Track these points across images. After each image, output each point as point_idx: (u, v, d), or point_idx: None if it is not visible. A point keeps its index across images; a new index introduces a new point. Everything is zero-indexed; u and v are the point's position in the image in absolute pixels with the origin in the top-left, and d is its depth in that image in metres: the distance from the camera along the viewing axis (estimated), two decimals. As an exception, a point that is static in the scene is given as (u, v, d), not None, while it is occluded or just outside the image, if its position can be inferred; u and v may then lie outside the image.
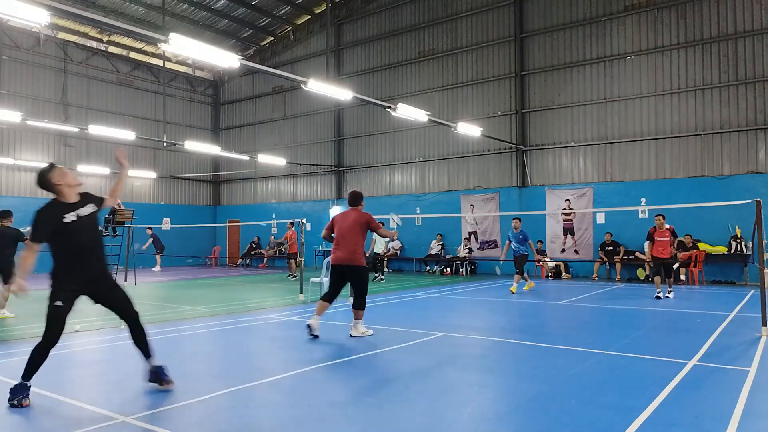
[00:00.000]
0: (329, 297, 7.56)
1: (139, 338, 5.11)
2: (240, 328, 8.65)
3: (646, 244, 12.22)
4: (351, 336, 7.46)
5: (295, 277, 17.55)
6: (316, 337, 7.38)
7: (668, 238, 11.97)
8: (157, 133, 24.09)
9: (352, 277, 7.44)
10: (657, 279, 12.10)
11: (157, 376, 5.04)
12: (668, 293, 12.11)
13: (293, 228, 18.29)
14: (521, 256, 13.57)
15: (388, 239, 18.05)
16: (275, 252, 24.56)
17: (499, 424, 4.15)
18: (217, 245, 28.06)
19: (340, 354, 6.45)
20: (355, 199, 7.88)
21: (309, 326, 7.43)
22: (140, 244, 22.13)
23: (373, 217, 7.81)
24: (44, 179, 4.70)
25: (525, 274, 13.81)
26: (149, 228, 22.37)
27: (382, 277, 17.21)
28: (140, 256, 20.50)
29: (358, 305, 7.47)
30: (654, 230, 12.08)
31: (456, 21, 20.93)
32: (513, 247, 13.63)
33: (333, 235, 7.72)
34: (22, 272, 4.54)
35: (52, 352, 6.83)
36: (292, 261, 18.36)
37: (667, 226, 12.09)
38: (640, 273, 16.46)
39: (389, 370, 5.74)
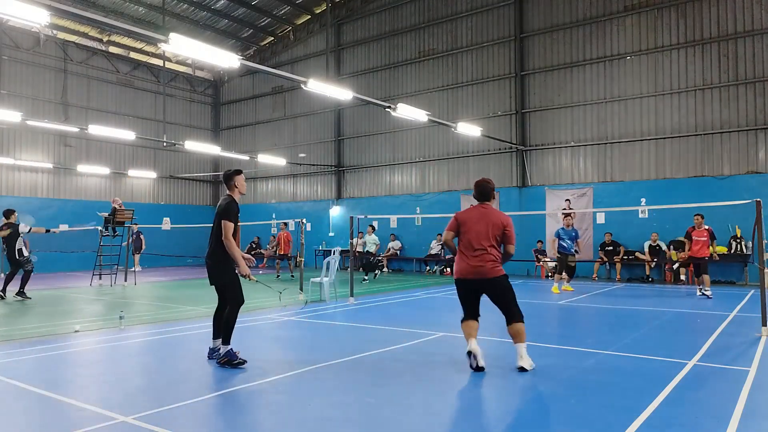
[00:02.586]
0: (472, 314, 6.04)
1: None
2: (240, 328, 8.63)
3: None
4: (523, 368, 5.54)
5: (292, 276, 17.61)
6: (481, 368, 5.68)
7: (706, 238, 12.08)
8: (157, 133, 24.08)
9: (495, 290, 5.85)
10: (705, 278, 12.14)
11: None
12: (705, 291, 11.93)
13: (286, 229, 18.32)
14: (572, 255, 13.31)
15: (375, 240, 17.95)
16: (275, 252, 24.53)
17: (499, 424, 4.15)
18: (217, 245, 28.01)
19: (340, 354, 6.45)
20: (487, 191, 6.01)
21: (470, 354, 5.76)
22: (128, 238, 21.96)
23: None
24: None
25: (563, 276, 13.51)
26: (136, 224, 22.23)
27: (375, 274, 17.28)
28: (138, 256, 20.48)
29: (518, 317, 5.71)
30: (692, 229, 12.29)
31: (456, 21, 20.93)
32: (565, 244, 13.23)
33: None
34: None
35: (53, 351, 6.85)
36: (290, 262, 18.43)
37: (706, 227, 12.20)
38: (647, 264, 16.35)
39: (389, 370, 5.73)
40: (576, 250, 13.50)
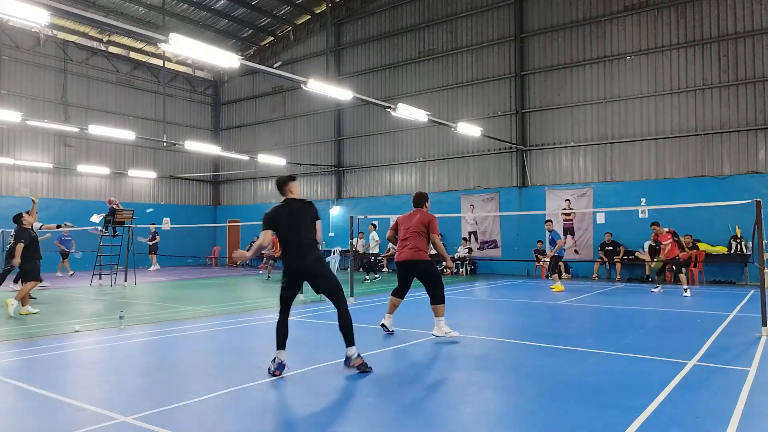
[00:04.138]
0: (398, 292, 7.61)
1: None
2: (240, 328, 8.65)
3: (647, 244, 12.78)
4: (434, 336, 7.26)
5: (269, 278, 17.70)
6: (391, 333, 7.60)
7: (671, 239, 12.67)
8: (157, 133, 24.09)
9: (419, 273, 7.32)
10: (681, 277, 12.73)
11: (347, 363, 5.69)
12: (684, 294, 12.33)
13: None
14: (555, 257, 14.02)
15: (376, 239, 17.93)
16: (275, 252, 24.57)
17: (498, 424, 4.15)
18: (217, 245, 28.07)
19: (340, 354, 6.44)
20: (420, 200, 7.76)
21: (383, 326, 7.65)
22: (144, 237, 22.41)
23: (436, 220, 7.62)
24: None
25: (555, 275, 14.06)
26: (153, 224, 22.61)
27: (377, 276, 17.31)
28: (139, 256, 20.50)
29: (437, 300, 7.25)
30: (656, 236, 12.92)
31: (456, 21, 20.93)
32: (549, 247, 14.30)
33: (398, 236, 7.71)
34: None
35: (53, 351, 6.85)
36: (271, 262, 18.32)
37: (666, 230, 12.82)
38: (656, 266, 16.38)
39: (389, 370, 5.73)
40: (553, 251, 13.91)
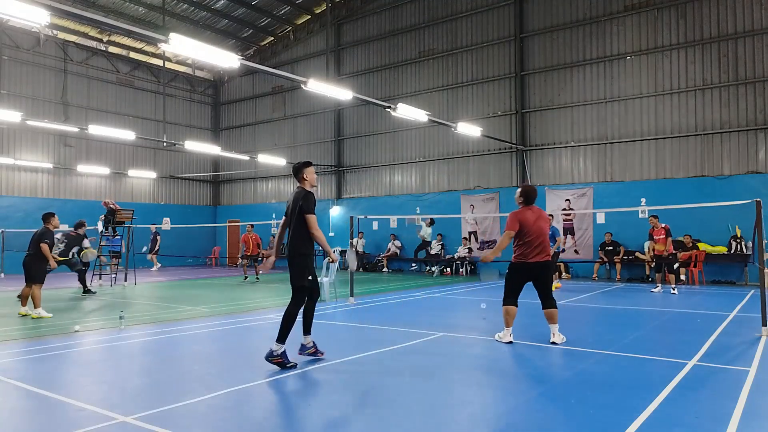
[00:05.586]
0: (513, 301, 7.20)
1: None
2: (240, 328, 8.65)
3: (647, 244, 13.11)
4: (553, 344, 6.81)
5: (255, 278, 17.59)
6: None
7: (664, 236, 13.18)
8: (157, 133, 24.09)
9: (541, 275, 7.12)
10: (671, 277, 13.28)
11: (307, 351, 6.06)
12: (672, 290, 12.89)
13: (252, 231, 18.06)
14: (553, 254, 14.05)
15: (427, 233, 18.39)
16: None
17: (498, 424, 4.15)
18: (217, 245, 28.06)
19: (340, 354, 6.45)
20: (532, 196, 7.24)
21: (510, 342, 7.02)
22: (146, 246, 22.54)
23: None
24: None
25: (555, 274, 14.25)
26: (153, 224, 22.82)
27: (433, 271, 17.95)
28: (140, 256, 20.55)
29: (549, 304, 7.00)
30: (652, 230, 13.47)
31: (456, 21, 20.93)
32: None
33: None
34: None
35: (53, 351, 6.85)
36: (256, 264, 18.19)
37: (662, 225, 13.26)
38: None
39: (389, 370, 5.73)
40: (553, 247, 14.06)
